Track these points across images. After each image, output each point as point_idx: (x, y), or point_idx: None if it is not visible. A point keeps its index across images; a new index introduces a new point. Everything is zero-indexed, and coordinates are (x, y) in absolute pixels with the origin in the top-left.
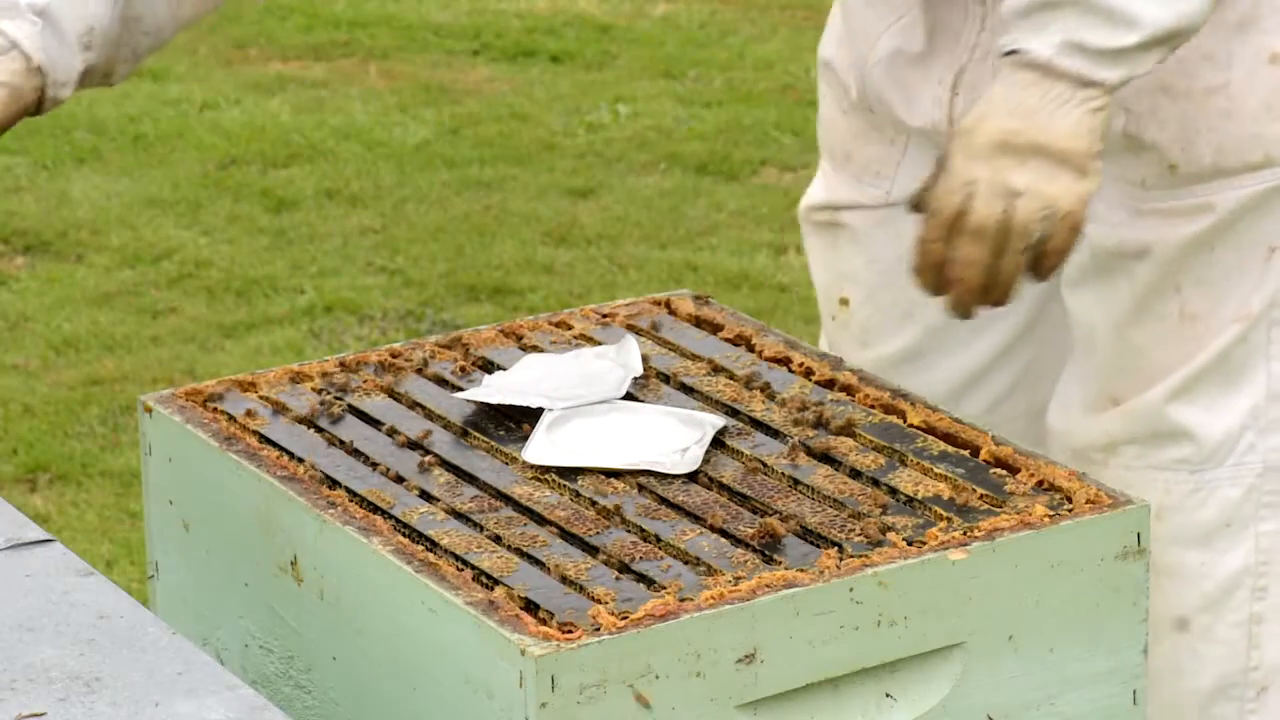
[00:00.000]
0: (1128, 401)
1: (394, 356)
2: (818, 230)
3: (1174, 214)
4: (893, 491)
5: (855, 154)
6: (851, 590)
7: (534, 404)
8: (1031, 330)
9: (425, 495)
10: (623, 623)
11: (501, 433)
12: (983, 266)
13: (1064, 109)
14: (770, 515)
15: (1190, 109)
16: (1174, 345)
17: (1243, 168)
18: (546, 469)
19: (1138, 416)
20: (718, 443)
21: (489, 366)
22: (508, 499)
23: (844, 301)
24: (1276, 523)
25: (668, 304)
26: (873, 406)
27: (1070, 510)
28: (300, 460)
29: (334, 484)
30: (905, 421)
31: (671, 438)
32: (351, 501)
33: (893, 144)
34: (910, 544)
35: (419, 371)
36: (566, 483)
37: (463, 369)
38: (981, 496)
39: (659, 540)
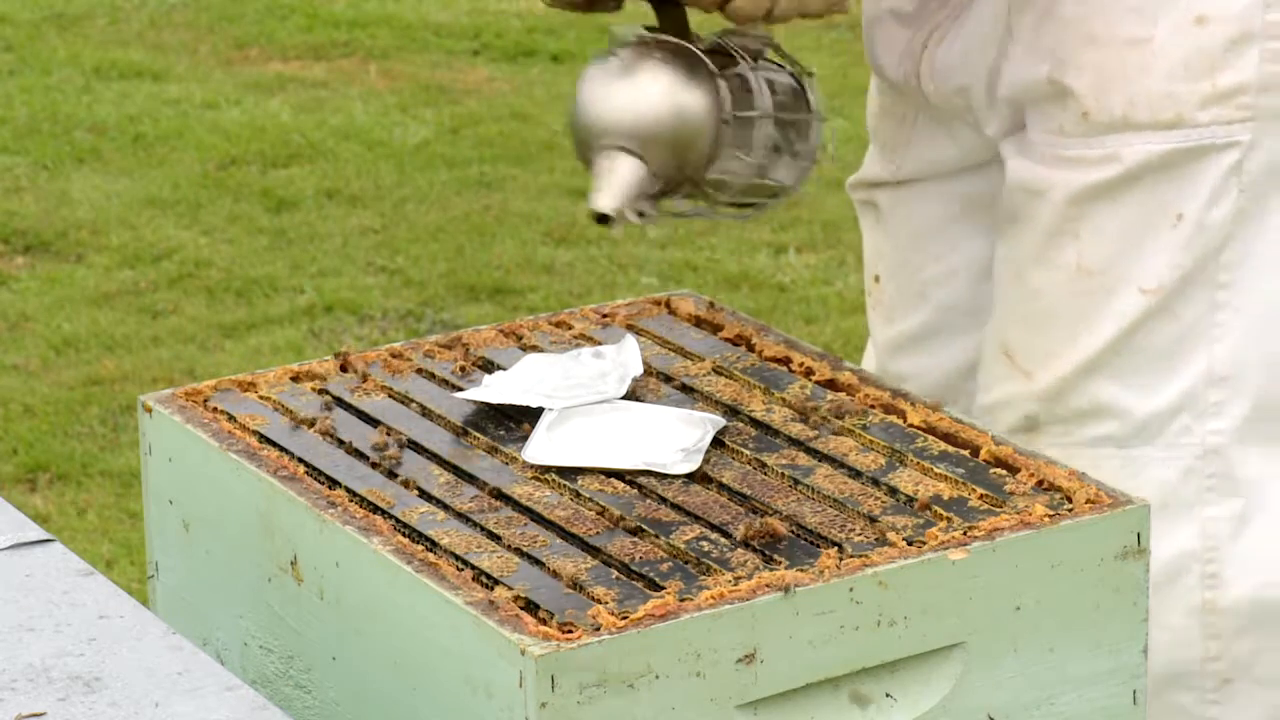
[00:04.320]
0: (1039, 378)
1: (394, 356)
2: (860, 208)
3: (1083, 162)
4: (893, 491)
5: (878, 131)
6: (851, 590)
7: (534, 404)
8: None
9: (425, 495)
10: (623, 623)
11: (501, 433)
12: None
13: None
14: (770, 515)
15: (1109, 58)
16: (1070, 299)
17: (1153, 123)
18: (546, 469)
19: (1054, 395)
20: (718, 443)
21: (489, 366)
22: (508, 499)
23: (876, 279)
24: (1222, 507)
25: (668, 304)
26: (873, 406)
27: (1070, 510)
28: (300, 460)
29: (334, 484)
30: (905, 421)
31: (671, 438)
32: (351, 501)
33: (903, 121)
34: (910, 544)
35: (419, 371)
36: (566, 483)
37: (463, 369)
38: (981, 496)
39: (659, 540)
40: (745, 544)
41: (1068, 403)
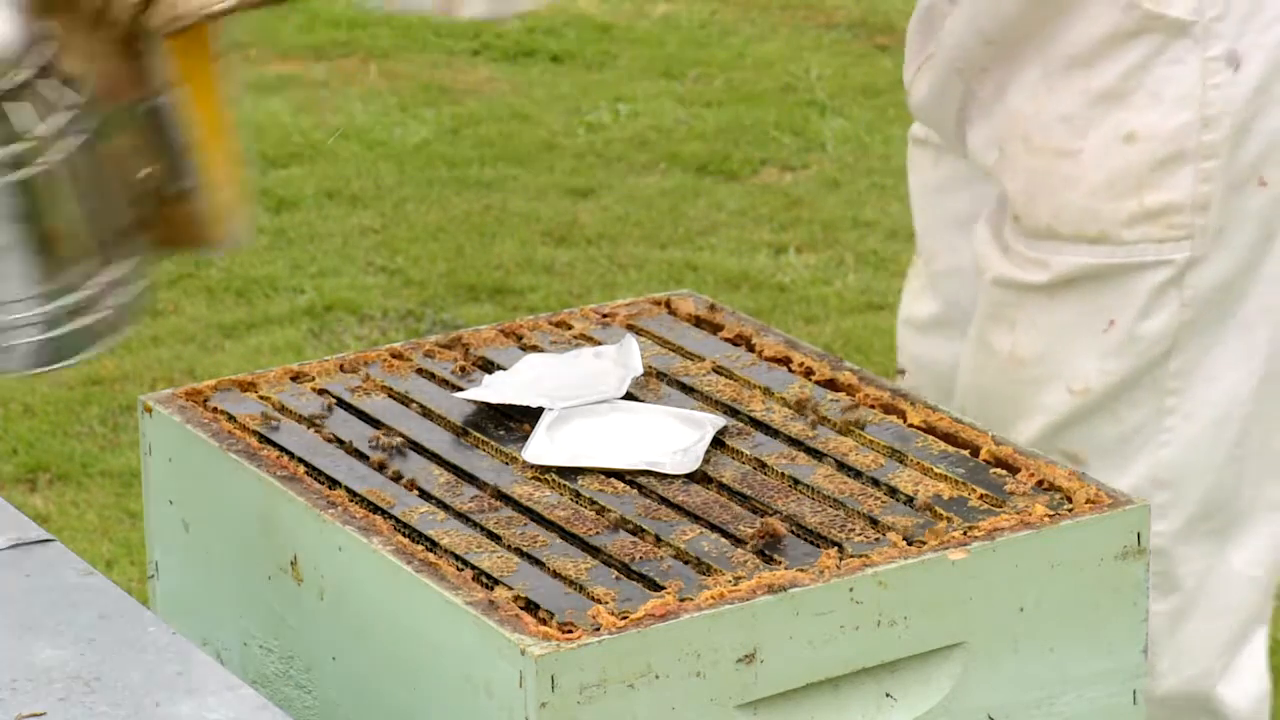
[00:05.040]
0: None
1: (394, 356)
2: (913, 146)
3: (1020, 257)
4: (893, 491)
5: (928, 109)
6: (851, 590)
7: (534, 404)
8: None
9: (425, 495)
10: (623, 623)
11: (501, 433)
12: None
13: None
14: (770, 515)
15: (1039, 166)
16: (1005, 384)
17: (1077, 237)
18: (546, 469)
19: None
20: (718, 443)
21: (489, 366)
22: (508, 499)
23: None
24: (1161, 604)
25: (668, 304)
26: (873, 406)
27: (1070, 510)
28: (300, 460)
29: (334, 484)
30: (905, 421)
31: (671, 438)
32: (351, 501)
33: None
34: (910, 544)
35: (419, 371)
36: (566, 483)
37: (463, 369)
38: (981, 496)
39: (659, 540)
40: (745, 544)
41: None
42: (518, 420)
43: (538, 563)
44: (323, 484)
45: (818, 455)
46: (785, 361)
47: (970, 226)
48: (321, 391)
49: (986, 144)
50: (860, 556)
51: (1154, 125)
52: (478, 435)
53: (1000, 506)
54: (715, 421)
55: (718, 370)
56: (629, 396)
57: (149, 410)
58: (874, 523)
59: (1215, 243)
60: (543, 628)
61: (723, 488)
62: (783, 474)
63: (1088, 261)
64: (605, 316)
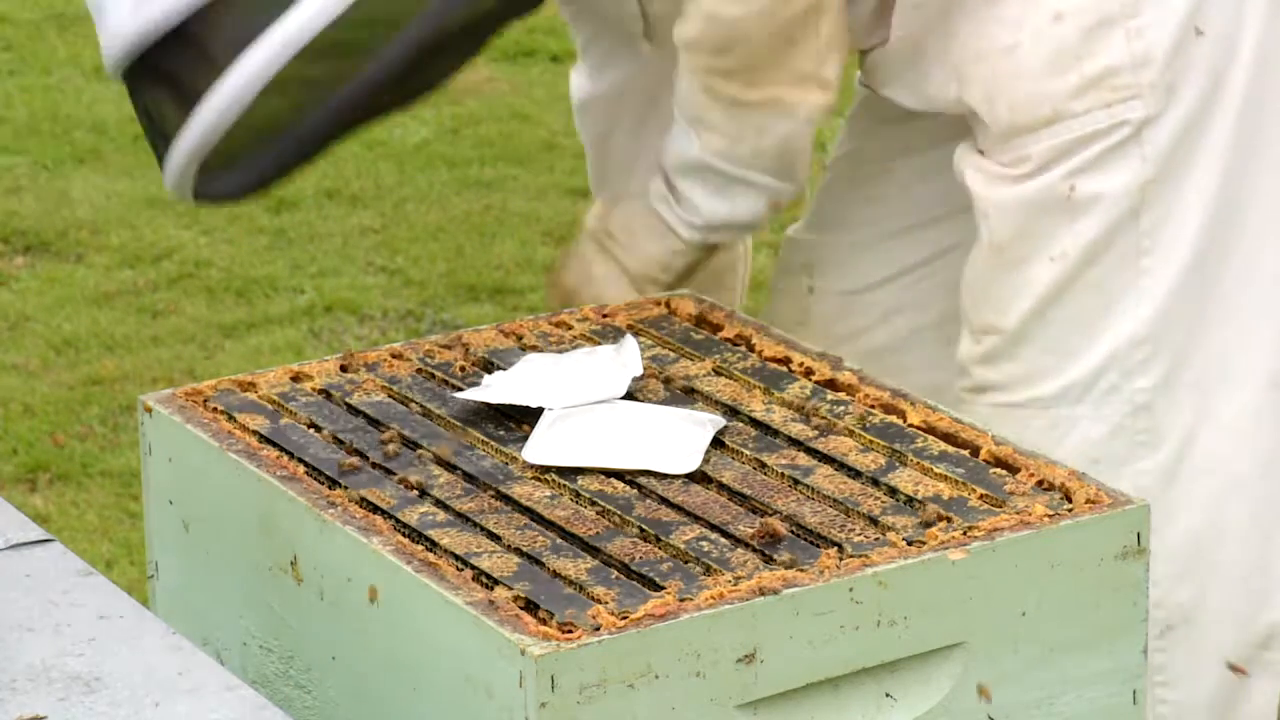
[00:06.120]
0: (984, 343)
1: (394, 356)
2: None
3: (999, 164)
4: (893, 491)
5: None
6: (851, 590)
7: (534, 404)
8: None
9: (425, 495)
10: (623, 623)
11: (501, 433)
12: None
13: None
14: (770, 515)
15: (989, 70)
16: (992, 274)
17: (1035, 124)
18: (546, 469)
19: (990, 360)
20: (718, 443)
21: (489, 366)
22: (508, 499)
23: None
24: (1151, 461)
25: (668, 304)
26: (873, 406)
27: (1070, 510)
28: (300, 460)
29: (334, 484)
30: (905, 421)
31: (671, 438)
32: (351, 501)
33: None
34: (910, 544)
35: (419, 371)
36: (566, 483)
37: (463, 369)
38: (981, 496)
39: (659, 540)
40: (745, 544)
41: (1002, 369)
42: (518, 420)
43: (538, 563)
44: (323, 484)
45: (818, 455)
46: (785, 361)
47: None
48: (321, 391)
49: (946, 80)
50: (860, 556)
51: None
52: (478, 435)
53: (1000, 506)
54: (715, 421)
55: (718, 370)
56: (629, 396)
57: (149, 410)
58: (874, 523)
59: (1168, 99)
60: (543, 628)
61: (723, 488)
62: (783, 474)
63: (1051, 144)
64: (605, 316)
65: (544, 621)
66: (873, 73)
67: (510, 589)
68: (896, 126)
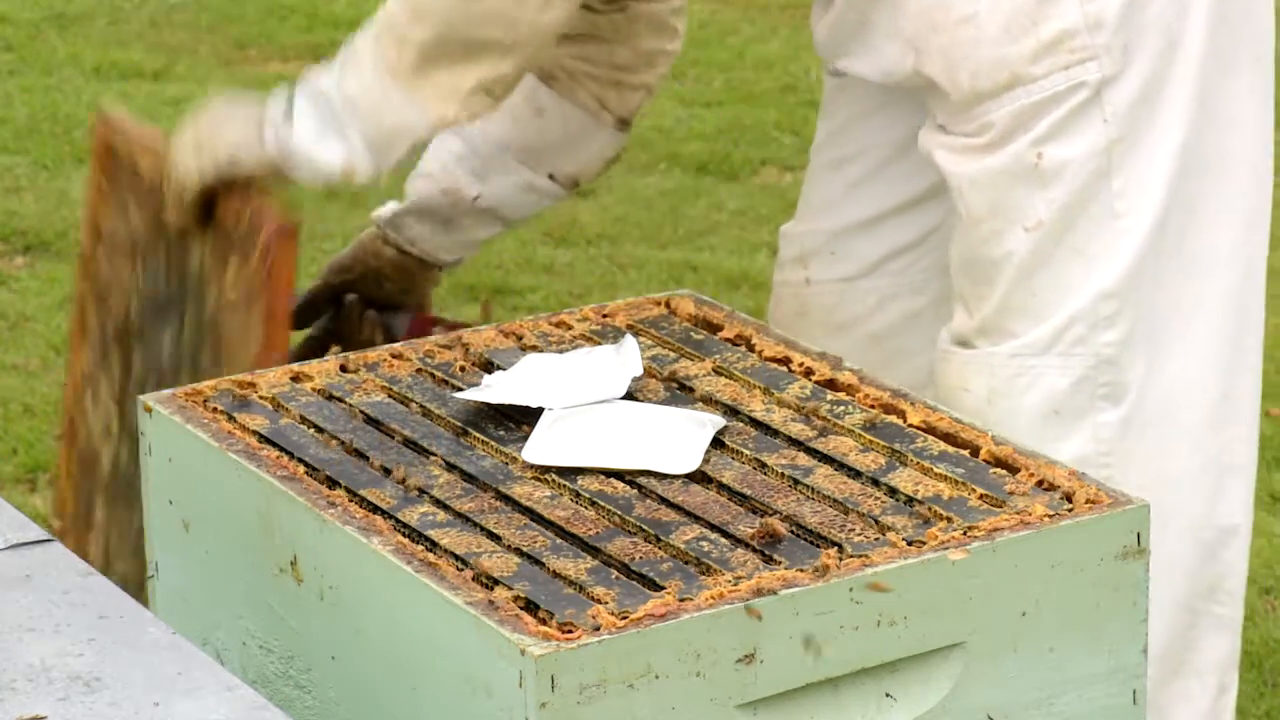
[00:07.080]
0: (975, 313)
1: (394, 356)
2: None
3: (962, 134)
4: (893, 491)
5: None
6: (851, 590)
7: (534, 404)
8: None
9: (425, 495)
10: (623, 623)
11: (501, 433)
12: None
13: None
14: (770, 515)
15: (948, 40)
16: (973, 250)
17: (995, 89)
18: (546, 469)
19: (984, 334)
20: (718, 443)
21: (489, 366)
22: (508, 499)
23: None
24: (1114, 414)
25: (668, 304)
26: (873, 406)
27: (1070, 510)
28: (300, 460)
29: (334, 484)
30: (905, 421)
31: (671, 438)
32: (351, 501)
33: None
34: (910, 544)
35: (419, 371)
36: (566, 483)
37: (463, 369)
38: (981, 496)
39: (659, 540)
40: (745, 544)
41: (991, 337)
42: (518, 420)
43: (538, 563)
44: (323, 484)
45: (818, 455)
46: (785, 361)
47: (880, 109)
48: (322, 391)
49: (902, 54)
50: (860, 556)
51: None
52: (478, 435)
53: (1000, 506)
54: (715, 421)
55: (718, 370)
56: (629, 396)
57: (149, 410)
58: (874, 523)
59: (1124, 59)
60: (543, 628)
61: (723, 488)
62: (783, 474)
63: (1011, 109)
64: (605, 316)
65: (544, 621)
66: (824, 45)
67: (510, 589)
68: (868, 110)
